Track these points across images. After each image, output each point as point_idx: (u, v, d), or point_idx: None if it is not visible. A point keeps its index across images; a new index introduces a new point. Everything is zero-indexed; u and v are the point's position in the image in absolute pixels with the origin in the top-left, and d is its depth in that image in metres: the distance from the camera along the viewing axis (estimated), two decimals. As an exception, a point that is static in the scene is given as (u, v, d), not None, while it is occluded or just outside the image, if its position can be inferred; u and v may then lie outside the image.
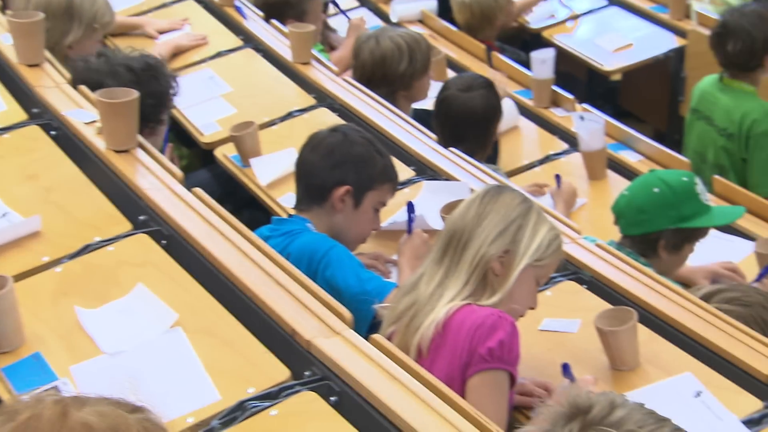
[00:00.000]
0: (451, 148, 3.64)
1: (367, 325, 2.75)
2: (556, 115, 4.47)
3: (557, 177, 3.78)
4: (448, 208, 2.97)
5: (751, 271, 3.36)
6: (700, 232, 3.17)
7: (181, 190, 2.48)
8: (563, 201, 3.74)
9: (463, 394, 2.30)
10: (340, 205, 2.99)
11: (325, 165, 3.01)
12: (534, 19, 5.67)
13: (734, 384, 2.43)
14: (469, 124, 3.79)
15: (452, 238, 2.47)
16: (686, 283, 3.32)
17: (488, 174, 3.45)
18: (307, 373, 1.91)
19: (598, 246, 3.03)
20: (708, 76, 4.40)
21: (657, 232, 3.11)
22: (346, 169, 2.99)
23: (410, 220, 3.06)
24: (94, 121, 2.78)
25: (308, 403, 1.84)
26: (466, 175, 3.42)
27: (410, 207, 3.08)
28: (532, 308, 2.52)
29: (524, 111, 4.48)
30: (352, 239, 3.05)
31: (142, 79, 3.15)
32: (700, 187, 3.15)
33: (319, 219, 3.00)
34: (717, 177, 3.89)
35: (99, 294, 2.18)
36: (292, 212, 3.12)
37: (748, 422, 2.30)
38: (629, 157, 4.17)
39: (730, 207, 3.56)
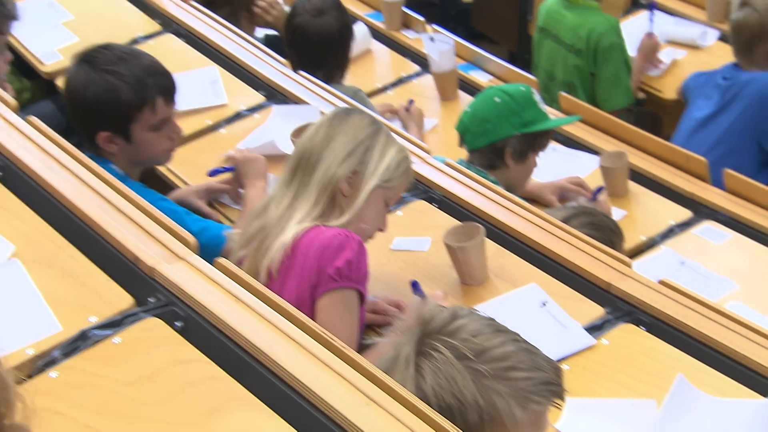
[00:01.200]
0: (301, 72, 3.61)
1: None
2: (407, 37, 4.48)
3: (410, 102, 3.82)
4: (298, 132, 2.96)
5: (597, 185, 3.45)
6: (543, 140, 3.24)
7: (16, 119, 2.39)
8: (414, 123, 3.77)
9: (313, 315, 2.32)
10: (113, 148, 2.81)
11: (74, 117, 2.85)
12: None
13: (577, 293, 2.50)
14: (328, 48, 3.76)
15: (301, 160, 2.46)
16: (535, 199, 3.40)
17: (338, 96, 3.44)
18: (151, 299, 1.88)
19: (447, 164, 3.07)
20: (554, -6, 4.46)
21: (503, 140, 3.18)
22: (92, 117, 2.78)
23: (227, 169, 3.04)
24: None
25: (153, 329, 1.82)
26: (317, 99, 3.40)
27: (213, 174, 3.06)
28: (381, 230, 2.54)
29: (375, 34, 4.47)
30: (155, 160, 2.95)
31: None
32: (537, 96, 3.24)
33: (109, 156, 2.82)
34: (564, 94, 3.97)
35: (-71, 229, 2.10)
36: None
37: (591, 328, 2.37)
38: (479, 78, 4.21)
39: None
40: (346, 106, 3.25)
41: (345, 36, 3.81)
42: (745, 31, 3.82)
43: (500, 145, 3.20)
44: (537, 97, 3.24)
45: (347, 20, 3.83)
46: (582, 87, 4.35)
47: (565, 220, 2.94)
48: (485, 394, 1.59)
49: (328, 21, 3.76)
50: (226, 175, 3.05)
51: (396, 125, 3.66)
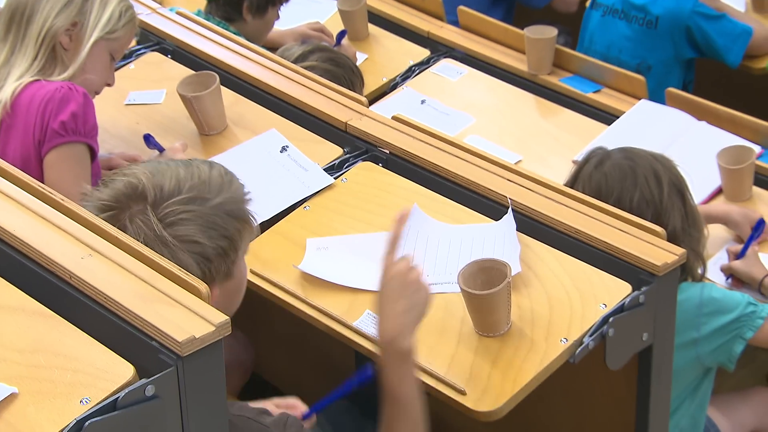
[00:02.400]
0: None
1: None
2: None
3: None
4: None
5: (335, 29, 3.45)
6: None
7: None
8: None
9: (41, 174, 2.22)
10: None
11: None
12: None
13: (316, 135, 2.51)
14: None
15: (15, 13, 2.32)
16: (276, 47, 3.35)
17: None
18: None
19: (179, 14, 2.97)
20: None
21: None
22: None
23: None
24: None
25: None
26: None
27: None
28: (110, 84, 2.44)
29: None
30: None
31: None
32: None
33: None
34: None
35: None
36: None
37: (330, 168, 2.39)
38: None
39: None
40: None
41: None
42: None
43: None
44: None
45: None
46: None
47: (304, 56, 2.92)
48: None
49: None
50: None
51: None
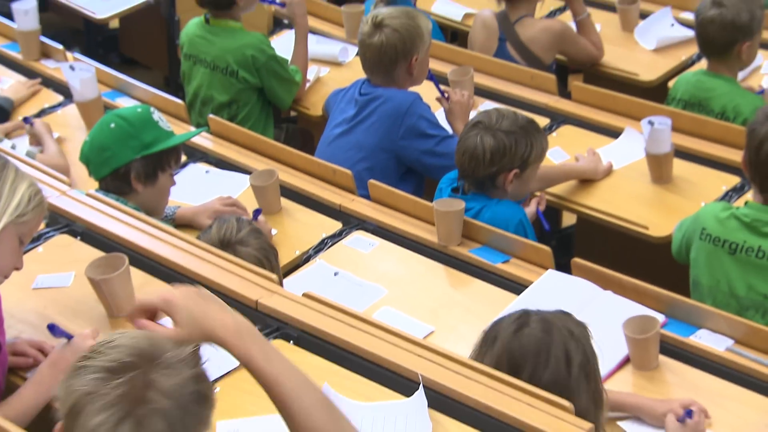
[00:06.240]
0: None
1: None
2: (47, 67, 4.33)
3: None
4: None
5: (251, 204, 3.47)
6: (170, 158, 3.19)
7: None
8: (52, 155, 3.66)
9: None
10: None
11: None
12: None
13: (227, 314, 2.50)
14: None
15: None
16: (191, 225, 3.36)
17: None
18: None
19: (90, 196, 2.99)
20: (192, 20, 4.43)
21: (125, 165, 3.11)
22: None
23: None
24: None
25: None
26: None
27: None
28: (18, 268, 2.42)
29: (13, 65, 4.29)
30: None
31: None
32: (156, 115, 3.19)
33: None
34: (212, 116, 3.96)
35: None
36: None
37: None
38: (127, 104, 4.13)
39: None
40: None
41: None
42: (390, 51, 3.86)
43: (123, 171, 3.12)
44: (156, 115, 3.18)
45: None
46: (248, 103, 4.34)
47: (238, 230, 2.88)
48: None
49: None
50: None
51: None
